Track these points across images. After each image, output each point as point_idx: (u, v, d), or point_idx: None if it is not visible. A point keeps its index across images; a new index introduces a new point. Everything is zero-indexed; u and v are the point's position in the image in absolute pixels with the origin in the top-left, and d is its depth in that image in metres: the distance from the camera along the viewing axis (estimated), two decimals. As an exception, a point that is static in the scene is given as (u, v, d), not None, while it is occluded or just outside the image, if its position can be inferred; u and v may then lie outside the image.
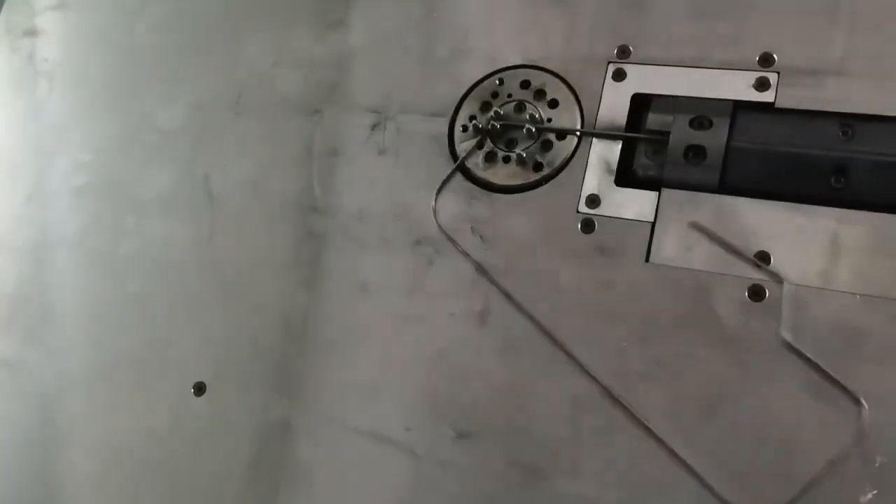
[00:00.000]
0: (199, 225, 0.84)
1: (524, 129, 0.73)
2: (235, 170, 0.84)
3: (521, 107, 0.75)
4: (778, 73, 0.66)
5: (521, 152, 0.73)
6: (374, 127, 0.79)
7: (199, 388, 0.78)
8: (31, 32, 1.00)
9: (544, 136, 0.73)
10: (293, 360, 0.76)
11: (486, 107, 0.76)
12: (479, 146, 0.75)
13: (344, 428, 0.73)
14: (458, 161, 0.74)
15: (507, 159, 0.74)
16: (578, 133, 0.72)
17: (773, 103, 0.66)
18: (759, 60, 0.67)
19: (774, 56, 0.67)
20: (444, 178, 0.75)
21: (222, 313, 0.80)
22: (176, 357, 0.81)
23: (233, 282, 0.81)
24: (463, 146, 0.75)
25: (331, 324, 0.76)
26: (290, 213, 0.81)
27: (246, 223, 0.82)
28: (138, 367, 0.82)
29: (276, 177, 0.82)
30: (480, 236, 0.72)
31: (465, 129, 0.76)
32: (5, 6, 1.02)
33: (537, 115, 0.73)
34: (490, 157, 0.74)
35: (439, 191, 0.75)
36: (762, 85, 0.67)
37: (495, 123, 0.74)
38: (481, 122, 0.75)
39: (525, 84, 0.75)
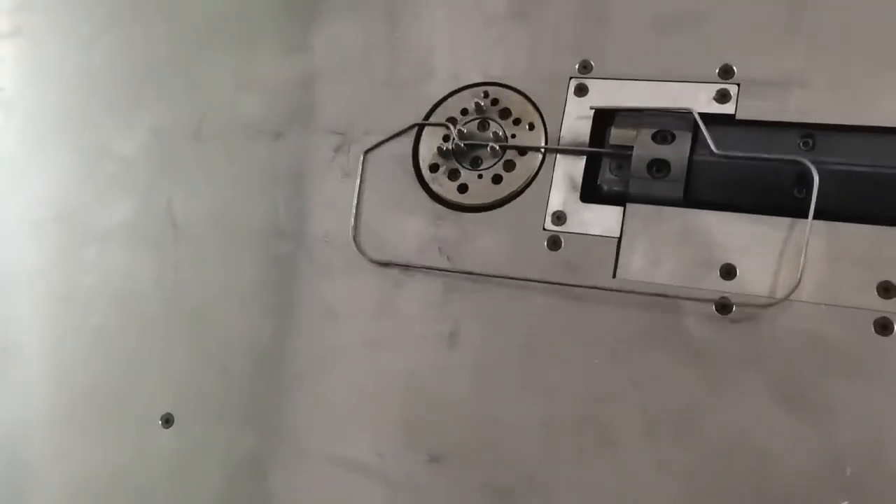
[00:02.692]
0: (162, 254, 0.83)
1: (488, 148, 0.72)
2: (198, 196, 0.83)
3: (484, 124, 0.75)
4: (738, 84, 0.67)
5: (486, 171, 0.72)
6: (337, 149, 0.78)
7: (167, 421, 0.76)
8: (-15, 62, 0.99)
9: (508, 155, 0.73)
10: (263, 390, 0.75)
11: (449, 126, 0.75)
12: (445, 160, 0.75)
13: (315, 457, 0.72)
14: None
15: (471, 178, 0.73)
16: (542, 150, 0.71)
17: (734, 115, 0.66)
18: (719, 73, 0.67)
19: (734, 68, 0.67)
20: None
21: (189, 344, 0.79)
22: (142, 390, 0.79)
23: (199, 311, 0.80)
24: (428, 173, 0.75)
25: (300, 351, 0.75)
26: (255, 239, 0.79)
27: (210, 251, 0.81)
28: (103, 401, 0.80)
29: (240, 202, 0.81)
30: (447, 256, 0.71)
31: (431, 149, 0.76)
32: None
33: (501, 133, 0.73)
34: (454, 176, 0.74)
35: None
36: (723, 97, 0.67)
37: (459, 143, 0.73)
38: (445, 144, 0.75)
39: (488, 103, 0.75)
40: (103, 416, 0.80)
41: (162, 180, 0.85)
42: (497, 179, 0.72)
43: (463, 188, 0.73)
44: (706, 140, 0.65)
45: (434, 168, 0.75)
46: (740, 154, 0.64)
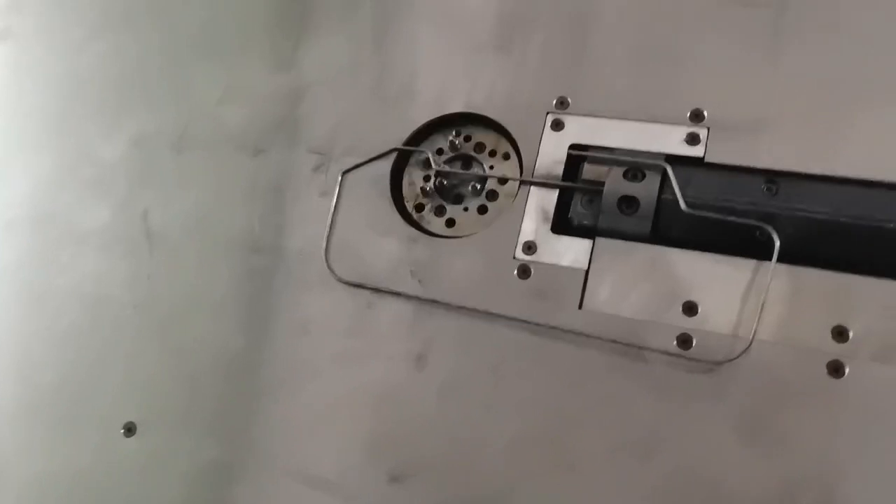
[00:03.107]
0: (136, 261, 0.83)
1: (469, 186, 0.75)
2: (176, 206, 0.84)
3: (466, 161, 0.77)
4: (708, 128, 0.69)
5: (464, 203, 0.76)
6: (317, 168, 0.80)
7: (129, 429, 0.76)
8: (-28, 61, 0.99)
9: (487, 187, 0.75)
10: (229, 401, 0.76)
11: (429, 164, 0.78)
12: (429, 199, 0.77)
13: (279, 470, 0.72)
14: None
15: (457, 212, 0.76)
16: (517, 181, 0.73)
17: (702, 158, 0.68)
18: (690, 116, 0.70)
19: (705, 112, 0.70)
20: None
21: (158, 352, 0.79)
22: (107, 395, 0.79)
23: (170, 320, 0.80)
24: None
25: (268, 364, 0.75)
26: (230, 252, 0.80)
27: (185, 260, 0.82)
28: (68, 405, 0.80)
29: (218, 214, 0.82)
30: (419, 280, 0.73)
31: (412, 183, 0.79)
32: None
33: (481, 171, 0.76)
34: (441, 212, 0.77)
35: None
36: (693, 140, 0.69)
37: (442, 181, 0.76)
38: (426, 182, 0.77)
39: (462, 140, 0.77)
40: (66, 420, 0.79)
41: (140, 188, 0.86)
42: (482, 210, 0.75)
43: (451, 223, 0.76)
44: (675, 187, 0.67)
45: (420, 208, 0.77)
46: (707, 213, 0.65)
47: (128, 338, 0.81)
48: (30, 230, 0.89)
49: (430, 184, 0.76)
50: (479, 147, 0.77)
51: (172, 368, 0.78)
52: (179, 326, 0.79)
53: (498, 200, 0.75)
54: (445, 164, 0.77)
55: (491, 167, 0.76)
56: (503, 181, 0.75)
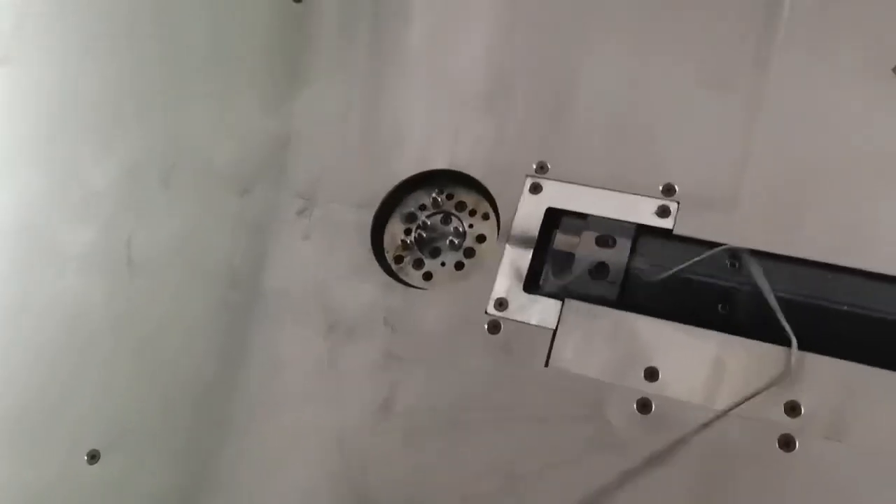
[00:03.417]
0: (116, 287, 0.84)
1: (447, 241, 0.78)
2: (160, 235, 0.85)
3: (446, 218, 0.80)
4: (678, 202, 0.72)
5: (442, 257, 0.79)
6: (301, 211, 0.82)
7: (93, 456, 0.77)
8: (-29, 80, 1.01)
9: (465, 244, 0.78)
10: (197, 432, 0.76)
11: (411, 217, 0.81)
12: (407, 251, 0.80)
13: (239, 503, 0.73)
14: None
15: (435, 267, 0.79)
16: (494, 239, 0.76)
17: (671, 230, 0.71)
18: (662, 189, 0.73)
19: (676, 187, 0.73)
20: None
21: (128, 378, 0.80)
22: (74, 419, 0.79)
23: (144, 348, 0.81)
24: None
25: (237, 399, 0.76)
26: (208, 285, 0.82)
27: (164, 290, 0.83)
28: (35, 423, 0.80)
29: (199, 248, 0.84)
30: (392, 327, 0.75)
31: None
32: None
33: (461, 229, 0.79)
34: (419, 266, 0.79)
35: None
36: (664, 212, 0.72)
37: (422, 233, 0.79)
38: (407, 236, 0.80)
39: (444, 198, 0.80)
40: (32, 439, 0.79)
41: (127, 214, 0.87)
42: (459, 266, 0.77)
43: (428, 276, 0.78)
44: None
45: (399, 259, 0.80)
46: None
47: (99, 361, 0.81)
48: (11, 245, 0.91)
49: (411, 236, 0.79)
50: (460, 206, 0.80)
51: (141, 396, 0.79)
52: (151, 354, 0.80)
53: (475, 257, 0.77)
54: (427, 219, 0.80)
55: (470, 226, 0.79)
56: (481, 239, 0.77)
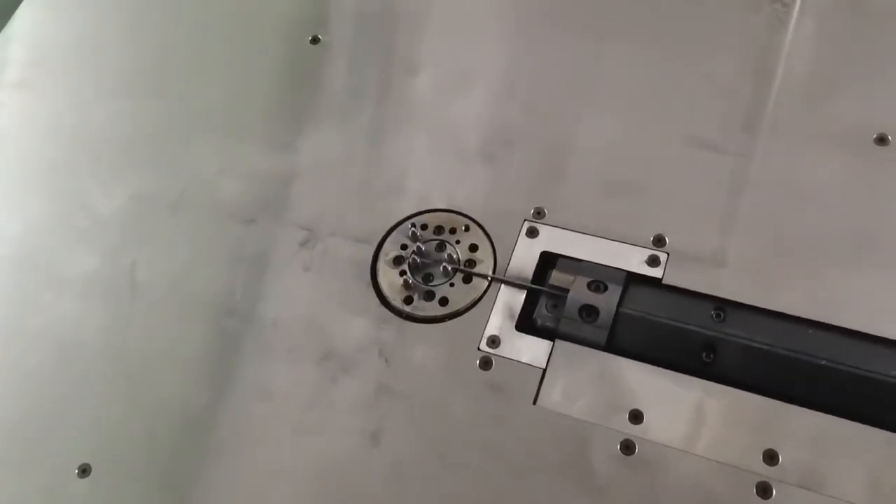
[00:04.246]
0: (115, 311, 0.85)
1: (441, 267, 0.79)
2: (164, 262, 0.87)
3: (441, 246, 0.82)
4: (668, 253, 0.75)
5: (436, 287, 0.79)
6: (303, 244, 0.84)
7: (84, 471, 0.77)
8: (-10, 103, 1.04)
9: (458, 276, 0.80)
10: (185, 456, 0.77)
11: (409, 243, 0.82)
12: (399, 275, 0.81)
13: (223, 530, 0.73)
14: None
15: (424, 294, 0.80)
16: (489, 278, 0.78)
17: (660, 279, 0.75)
18: (653, 240, 0.76)
19: (666, 238, 0.76)
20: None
21: (121, 400, 0.81)
22: (65, 436, 0.80)
23: (138, 371, 0.82)
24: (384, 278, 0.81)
25: (228, 425, 0.77)
26: (207, 313, 0.83)
27: (163, 315, 0.84)
28: (24, 441, 0.80)
29: (201, 276, 0.86)
30: (385, 359, 0.76)
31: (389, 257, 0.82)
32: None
33: (455, 256, 0.80)
34: (408, 288, 0.80)
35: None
36: (653, 262, 0.75)
37: (416, 258, 0.80)
38: (404, 255, 0.82)
39: (448, 230, 0.83)
40: (21, 456, 0.80)
41: (132, 241, 0.89)
42: (444, 302, 0.79)
43: (413, 301, 0.79)
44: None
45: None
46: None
47: (94, 382, 0.82)
48: (13, 269, 0.92)
49: (408, 252, 0.81)
50: (462, 240, 0.82)
51: (134, 417, 0.79)
52: (146, 377, 0.81)
53: (463, 291, 0.79)
54: (422, 245, 0.81)
55: (468, 261, 0.80)
56: (469, 278, 0.79)
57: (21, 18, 1.12)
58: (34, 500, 0.78)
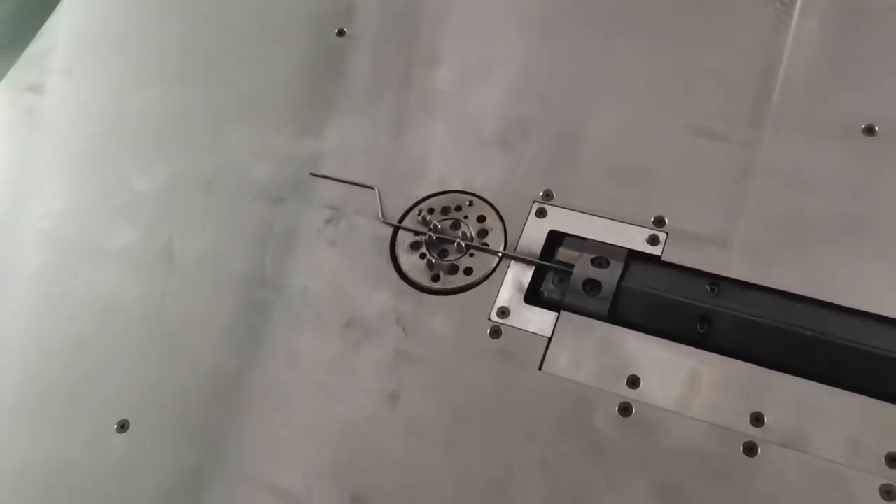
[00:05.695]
0: (153, 281, 0.92)
1: (455, 243, 0.85)
2: (198, 238, 0.94)
3: (456, 224, 0.88)
4: (667, 233, 0.81)
5: (451, 263, 0.85)
6: (329, 221, 0.90)
7: (122, 426, 0.83)
8: (36, 89, 1.11)
9: (471, 252, 0.86)
10: (218, 415, 0.83)
11: (426, 221, 0.88)
12: (416, 250, 0.87)
13: (250, 481, 0.78)
14: None
15: (438, 266, 0.85)
16: (500, 254, 0.84)
17: (659, 256, 0.80)
18: (653, 221, 0.82)
19: (666, 219, 0.82)
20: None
21: (157, 361, 0.87)
22: (104, 393, 0.86)
23: (174, 336, 0.88)
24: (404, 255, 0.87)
25: (256, 385, 0.83)
26: (239, 283, 0.89)
27: (197, 286, 0.91)
28: (67, 400, 0.87)
29: (233, 250, 0.92)
30: (403, 328, 0.82)
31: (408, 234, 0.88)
32: (20, 60, 1.13)
33: (468, 233, 0.86)
34: (426, 263, 0.86)
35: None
36: (653, 241, 0.81)
37: (432, 235, 0.86)
38: (422, 232, 0.87)
39: (463, 206, 0.88)
40: (63, 413, 0.86)
41: (168, 218, 0.96)
42: (457, 271, 0.85)
43: (429, 274, 0.86)
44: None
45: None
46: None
47: (131, 345, 0.88)
48: (58, 241, 0.99)
49: (425, 230, 0.87)
50: (478, 219, 0.88)
51: (169, 378, 0.86)
52: (181, 341, 0.87)
53: (476, 265, 0.85)
54: (438, 224, 0.87)
55: (481, 237, 0.86)
56: (486, 254, 0.85)
57: (65, 9, 1.19)
58: (76, 453, 0.85)
